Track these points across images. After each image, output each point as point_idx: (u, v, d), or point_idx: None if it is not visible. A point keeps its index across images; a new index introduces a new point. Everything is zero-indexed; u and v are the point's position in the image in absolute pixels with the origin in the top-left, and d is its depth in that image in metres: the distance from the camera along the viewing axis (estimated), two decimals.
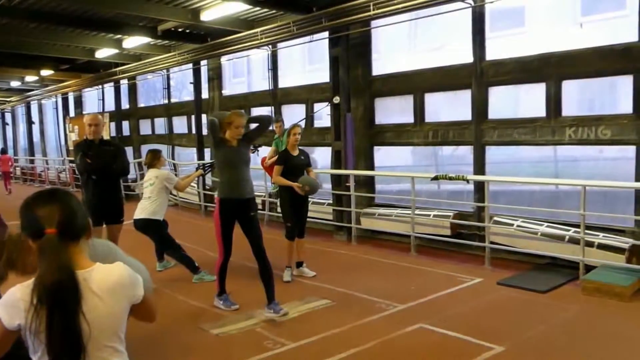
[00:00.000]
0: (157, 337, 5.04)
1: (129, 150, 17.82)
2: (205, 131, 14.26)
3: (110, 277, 1.93)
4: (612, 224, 7.25)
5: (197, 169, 8.02)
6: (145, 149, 17.99)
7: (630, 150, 7.11)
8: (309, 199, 7.51)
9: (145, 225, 7.13)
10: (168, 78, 16.07)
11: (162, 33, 12.01)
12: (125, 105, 18.50)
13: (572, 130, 7.49)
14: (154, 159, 7.41)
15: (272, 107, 12.06)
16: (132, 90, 18.00)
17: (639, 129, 6.91)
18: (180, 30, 12.46)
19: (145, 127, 17.78)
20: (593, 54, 7.35)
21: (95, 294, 1.86)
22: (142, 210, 7.14)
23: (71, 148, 16.98)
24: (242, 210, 5.72)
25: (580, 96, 8.05)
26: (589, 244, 6.81)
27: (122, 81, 17.45)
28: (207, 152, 14.26)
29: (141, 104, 18.25)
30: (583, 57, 7.44)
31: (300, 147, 7.21)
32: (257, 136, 6.11)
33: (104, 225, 6.27)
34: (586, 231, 6.74)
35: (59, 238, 1.84)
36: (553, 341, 4.96)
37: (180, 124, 15.91)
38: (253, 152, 7.79)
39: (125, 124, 18.53)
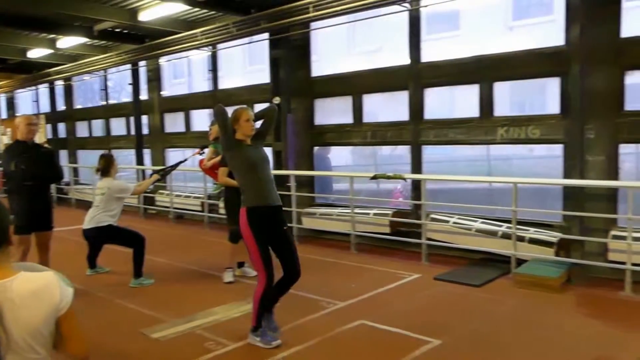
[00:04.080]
0: (94, 342, 4.92)
1: (64, 154, 17.36)
2: (145, 131, 14.06)
3: (34, 282, 1.87)
4: (542, 219, 7.56)
5: (152, 174, 7.71)
6: (81, 152, 17.55)
7: (558, 148, 7.45)
8: None
9: (97, 234, 6.89)
10: (105, 79, 15.73)
11: (99, 33, 11.74)
12: (61, 106, 18.00)
13: (504, 129, 7.77)
14: (108, 164, 6.99)
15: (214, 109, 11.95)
16: (68, 91, 17.50)
17: (566, 129, 7.24)
18: (117, 30, 12.21)
19: (82, 129, 17.31)
20: (524, 57, 7.65)
21: (15, 303, 1.78)
22: (90, 219, 6.88)
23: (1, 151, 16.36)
24: (273, 222, 4.92)
25: (512, 97, 8.35)
26: (520, 239, 7.07)
27: (57, 82, 16.98)
28: (147, 154, 14.04)
29: (78, 106, 17.77)
30: (514, 60, 7.73)
31: None
32: (268, 131, 5.40)
33: (33, 233, 6.00)
34: (517, 226, 7.00)
35: None
36: (488, 333, 5.14)
37: (118, 126, 15.58)
38: (200, 154, 7.69)
39: (62, 126, 18.06)
